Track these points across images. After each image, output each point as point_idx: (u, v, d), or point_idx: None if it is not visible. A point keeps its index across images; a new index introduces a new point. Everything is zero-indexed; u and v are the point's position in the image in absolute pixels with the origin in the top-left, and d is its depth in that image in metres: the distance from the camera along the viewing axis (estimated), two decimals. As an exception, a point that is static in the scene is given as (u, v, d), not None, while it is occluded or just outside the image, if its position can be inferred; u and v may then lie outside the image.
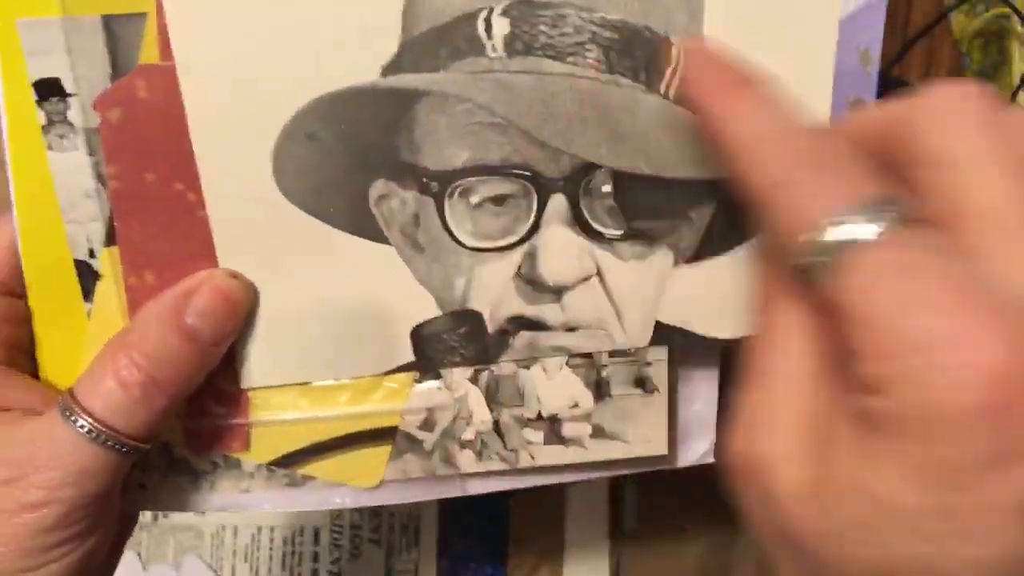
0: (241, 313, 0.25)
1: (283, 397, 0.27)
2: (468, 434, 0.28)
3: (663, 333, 0.27)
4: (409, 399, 0.27)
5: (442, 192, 0.25)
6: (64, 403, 0.23)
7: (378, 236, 0.26)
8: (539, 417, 0.28)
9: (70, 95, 0.24)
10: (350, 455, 0.27)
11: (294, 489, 0.28)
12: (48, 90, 0.24)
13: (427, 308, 0.26)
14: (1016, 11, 0.58)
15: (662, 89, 0.25)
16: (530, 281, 0.26)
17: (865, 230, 0.17)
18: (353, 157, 0.25)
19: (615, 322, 0.27)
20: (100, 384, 0.23)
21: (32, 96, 0.24)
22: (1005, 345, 0.16)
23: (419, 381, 0.27)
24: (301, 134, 0.24)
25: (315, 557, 0.46)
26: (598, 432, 0.28)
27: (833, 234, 0.18)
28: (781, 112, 0.20)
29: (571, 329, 0.27)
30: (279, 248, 0.25)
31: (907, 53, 0.52)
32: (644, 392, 0.28)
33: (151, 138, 0.24)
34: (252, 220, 0.25)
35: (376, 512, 0.46)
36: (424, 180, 0.25)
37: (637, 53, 0.25)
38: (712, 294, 0.27)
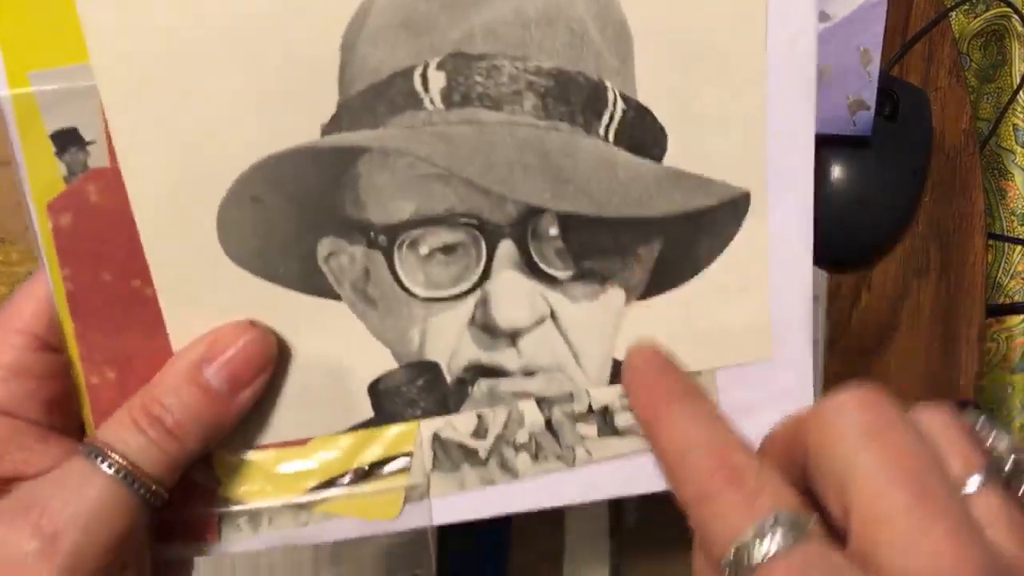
0: (256, 364, 0.25)
1: (250, 485, 0.27)
2: (522, 437, 0.28)
3: (616, 375, 0.28)
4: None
5: (390, 245, 0.26)
6: (88, 446, 0.24)
7: (330, 293, 0.26)
8: (590, 410, 0.28)
9: (89, 143, 0.24)
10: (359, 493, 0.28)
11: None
12: (66, 140, 0.24)
13: (383, 362, 0.27)
14: (1016, 11, 0.58)
15: (600, 132, 0.26)
16: (485, 328, 0.27)
17: (773, 545, 0.20)
18: (299, 217, 0.25)
19: (572, 363, 0.27)
20: (123, 429, 0.24)
21: (51, 149, 0.24)
22: None
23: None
24: (245, 198, 0.25)
25: (316, 557, 0.46)
26: None
27: (745, 550, 0.20)
28: (706, 425, 0.23)
29: (529, 373, 0.27)
30: (230, 314, 0.25)
31: (907, 53, 0.52)
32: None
33: (105, 239, 0.25)
34: (200, 290, 0.25)
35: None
36: (371, 235, 0.26)
37: (573, 98, 0.25)
38: (665, 330, 0.28)
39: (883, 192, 0.50)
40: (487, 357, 0.27)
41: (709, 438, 0.23)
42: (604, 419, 0.28)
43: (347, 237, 0.26)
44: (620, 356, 0.27)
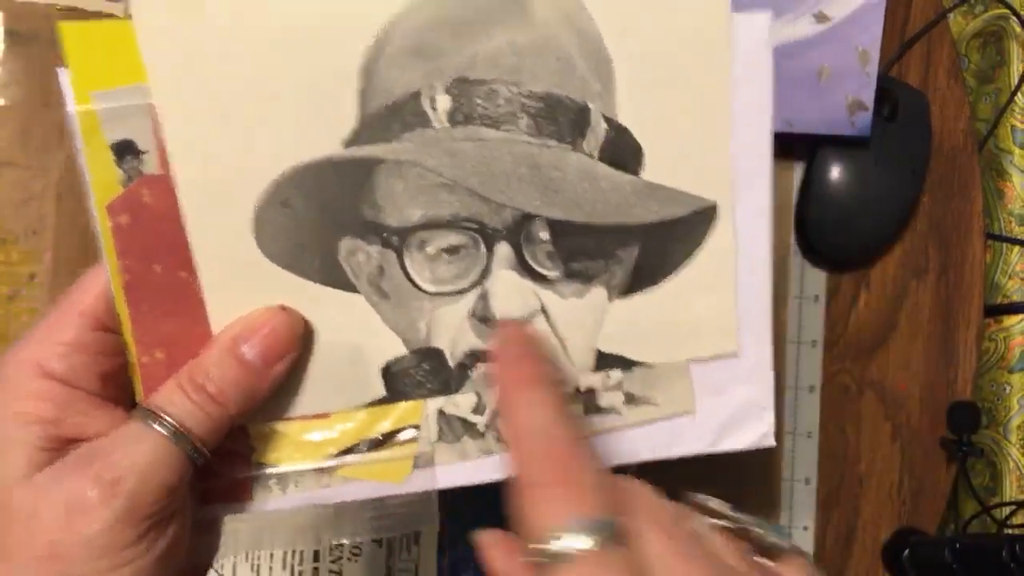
0: (286, 342, 0.30)
1: (280, 452, 0.31)
2: None
3: (604, 361, 0.32)
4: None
5: (402, 246, 0.30)
6: (143, 410, 0.28)
7: (349, 286, 0.30)
8: (577, 392, 0.32)
9: (143, 153, 0.29)
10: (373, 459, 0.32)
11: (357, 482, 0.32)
12: (124, 150, 0.28)
13: (395, 348, 0.31)
14: (1015, 12, 0.58)
15: (585, 148, 0.30)
16: (483, 319, 0.31)
17: (578, 545, 0.23)
18: (323, 219, 0.29)
19: (561, 352, 0.31)
20: (172, 395, 0.29)
21: (111, 158, 0.28)
22: None
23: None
24: (276, 202, 0.29)
25: (316, 556, 0.46)
26: (631, 399, 0.32)
27: (553, 545, 0.23)
28: (551, 415, 0.26)
29: None
30: (264, 303, 0.30)
31: (906, 54, 0.53)
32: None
33: (157, 236, 0.29)
34: (238, 282, 0.29)
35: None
36: (385, 236, 0.30)
37: (561, 119, 0.29)
38: (643, 325, 0.32)
39: (882, 193, 0.50)
40: (485, 345, 0.31)
41: (550, 428, 0.26)
42: (589, 400, 0.32)
43: (364, 238, 0.30)
44: (604, 347, 0.32)
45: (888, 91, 0.51)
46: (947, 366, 0.53)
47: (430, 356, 0.31)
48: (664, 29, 0.29)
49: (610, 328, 0.31)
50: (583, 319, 0.31)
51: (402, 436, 0.31)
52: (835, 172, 0.51)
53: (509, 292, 0.30)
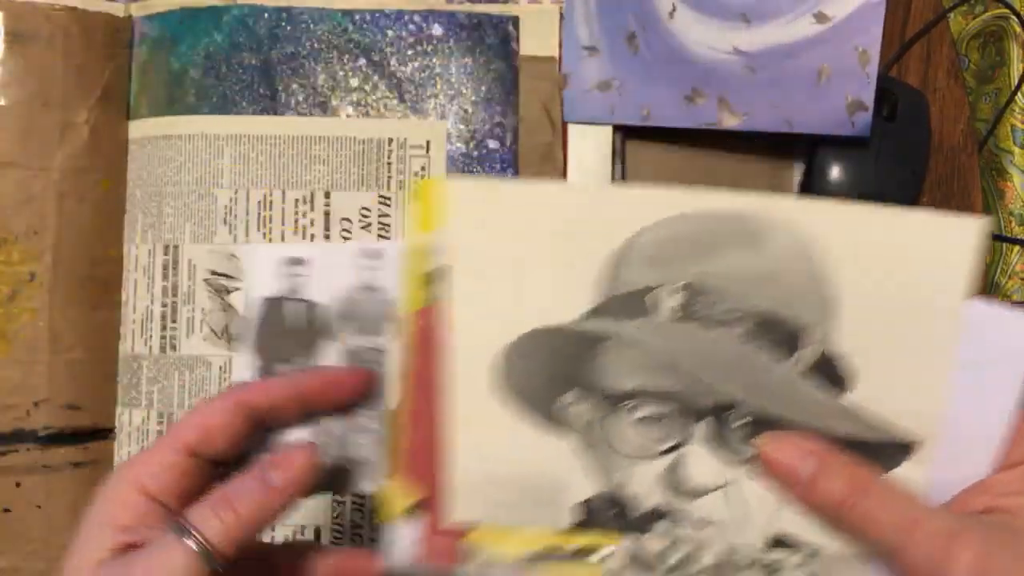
0: (303, 477, 0.34)
1: (488, 546, 0.36)
2: (694, 571, 0.35)
3: (783, 541, 0.34)
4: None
5: (614, 407, 0.34)
6: (177, 524, 0.32)
7: (563, 430, 0.35)
8: (751, 564, 0.35)
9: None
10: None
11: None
12: (434, 277, 0.35)
13: (590, 489, 0.35)
14: (1015, 12, 0.58)
15: (794, 362, 0.33)
16: (673, 483, 0.34)
17: None
18: (555, 371, 0.34)
19: (741, 524, 0.34)
20: (205, 513, 0.33)
21: (424, 280, 0.35)
22: None
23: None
24: (524, 348, 0.34)
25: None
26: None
27: None
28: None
29: (703, 526, 0.34)
30: (494, 424, 0.35)
31: (905, 54, 0.53)
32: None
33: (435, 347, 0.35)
34: (480, 402, 0.35)
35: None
36: (603, 396, 0.34)
37: (777, 334, 0.33)
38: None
39: (882, 193, 0.50)
40: (670, 505, 0.35)
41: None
42: (764, 573, 0.35)
43: (584, 393, 0.34)
44: (784, 528, 0.34)
45: (888, 91, 0.51)
46: (947, 366, 0.53)
47: (618, 503, 0.34)
48: (895, 285, 0.31)
49: (790, 511, 0.33)
50: (767, 499, 0.34)
51: (596, 554, 0.35)
52: (835, 172, 0.51)
53: (701, 463, 0.34)
